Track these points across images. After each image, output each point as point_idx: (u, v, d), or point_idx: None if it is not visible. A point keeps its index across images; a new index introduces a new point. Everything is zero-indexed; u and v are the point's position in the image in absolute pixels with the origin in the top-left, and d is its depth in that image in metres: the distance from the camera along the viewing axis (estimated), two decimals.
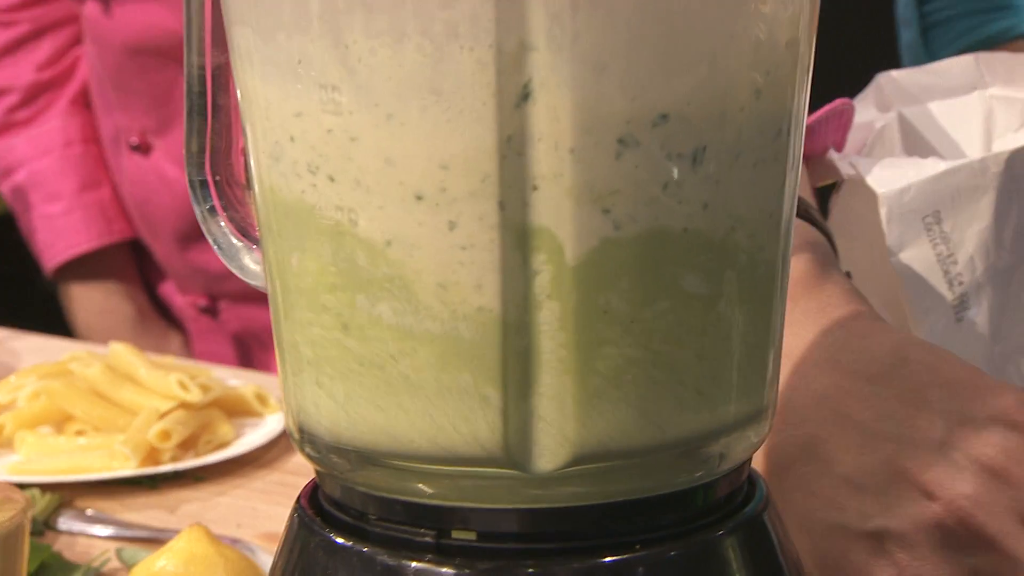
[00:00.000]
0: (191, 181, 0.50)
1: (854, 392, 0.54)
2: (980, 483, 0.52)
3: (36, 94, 1.37)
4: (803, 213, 0.61)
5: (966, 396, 0.53)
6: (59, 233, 1.36)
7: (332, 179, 0.42)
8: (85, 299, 1.40)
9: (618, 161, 0.41)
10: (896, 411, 0.54)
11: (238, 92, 0.45)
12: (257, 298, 1.33)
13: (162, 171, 1.32)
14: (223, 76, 0.49)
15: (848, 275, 0.62)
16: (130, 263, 1.42)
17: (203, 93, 0.49)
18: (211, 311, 1.37)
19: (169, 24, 1.24)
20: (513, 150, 0.41)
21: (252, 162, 0.45)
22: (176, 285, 1.40)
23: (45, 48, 1.37)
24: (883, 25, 1.15)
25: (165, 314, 1.45)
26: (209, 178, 0.50)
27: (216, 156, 0.50)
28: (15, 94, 1.37)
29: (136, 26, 1.27)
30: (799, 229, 0.60)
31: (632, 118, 0.41)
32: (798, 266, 0.58)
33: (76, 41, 1.38)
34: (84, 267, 1.39)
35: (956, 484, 0.52)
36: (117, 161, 1.36)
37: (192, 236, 1.32)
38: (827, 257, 0.59)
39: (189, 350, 1.41)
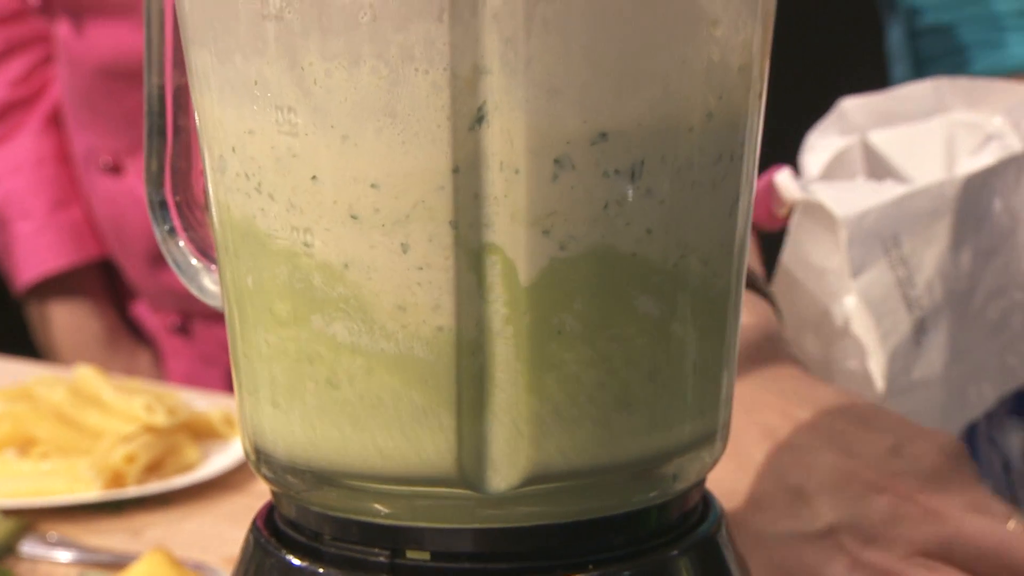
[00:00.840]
0: (151, 201, 0.51)
1: (800, 420, 0.57)
2: (925, 480, 0.55)
3: (7, 112, 1.37)
4: (748, 282, 0.64)
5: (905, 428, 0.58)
6: (30, 252, 1.36)
7: (286, 200, 0.43)
8: (55, 318, 1.40)
9: (565, 183, 0.42)
10: (842, 430, 0.56)
11: (196, 113, 0.46)
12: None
13: (134, 192, 1.32)
14: (183, 97, 0.50)
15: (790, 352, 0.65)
16: (100, 282, 1.42)
17: (163, 113, 0.50)
18: (184, 330, 1.37)
19: (140, 47, 1.24)
20: (466, 172, 0.41)
21: (209, 183, 0.46)
22: (149, 304, 1.39)
23: (16, 66, 1.37)
24: (874, 60, 1.16)
25: (136, 333, 1.45)
26: (169, 199, 0.51)
27: (176, 177, 0.51)
28: None
29: (107, 48, 1.27)
30: (746, 300, 0.62)
31: (584, 140, 0.42)
32: (745, 337, 0.61)
33: (48, 59, 1.38)
34: (54, 286, 1.39)
35: (904, 478, 0.55)
36: (89, 181, 1.35)
37: (163, 257, 1.32)
38: (771, 331, 0.62)
39: (160, 369, 1.41)
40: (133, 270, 1.36)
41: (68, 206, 1.37)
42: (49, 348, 1.42)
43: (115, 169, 1.32)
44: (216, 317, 1.34)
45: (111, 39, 1.27)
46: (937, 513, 0.55)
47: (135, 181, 1.32)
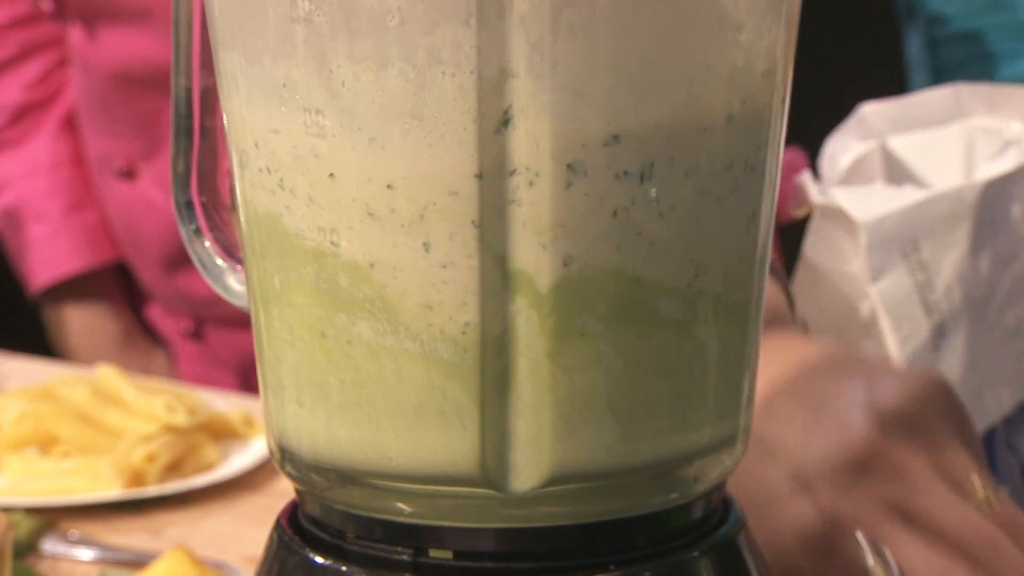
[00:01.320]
0: (177, 202, 0.51)
1: (773, 375, 0.58)
2: (888, 426, 0.56)
3: (23, 114, 1.38)
4: None
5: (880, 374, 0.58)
6: (46, 254, 1.36)
7: (313, 201, 0.43)
8: (71, 320, 1.40)
9: (580, 190, 0.42)
10: (813, 382, 0.57)
11: (224, 114, 0.46)
12: (245, 323, 1.33)
13: (148, 197, 1.32)
14: (210, 98, 0.50)
15: (805, 326, 0.65)
16: (116, 284, 1.42)
17: (190, 115, 0.50)
18: (197, 335, 1.37)
19: (152, 53, 1.25)
20: (492, 174, 0.42)
21: (237, 183, 0.46)
22: (163, 308, 1.40)
23: (32, 69, 1.38)
24: (892, 68, 1.16)
25: (151, 335, 1.45)
26: (195, 199, 0.51)
27: (202, 177, 0.51)
28: (2, 114, 1.38)
29: (120, 54, 1.27)
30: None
31: (607, 145, 0.42)
32: None
33: (63, 62, 1.39)
34: (70, 289, 1.39)
35: (873, 428, 0.56)
36: (103, 186, 1.36)
37: (178, 261, 1.32)
38: (776, 309, 0.63)
39: (175, 371, 1.42)
40: (147, 274, 1.37)
41: (83, 209, 1.37)
42: (65, 350, 1.43)
43: (129, 174, 1.32)
44: (229, 322, 1.34)
45: (124, 45, 1.27)
46: (903, 471, 0.55)
47: (149, 186, 1.32)
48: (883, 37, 1.12)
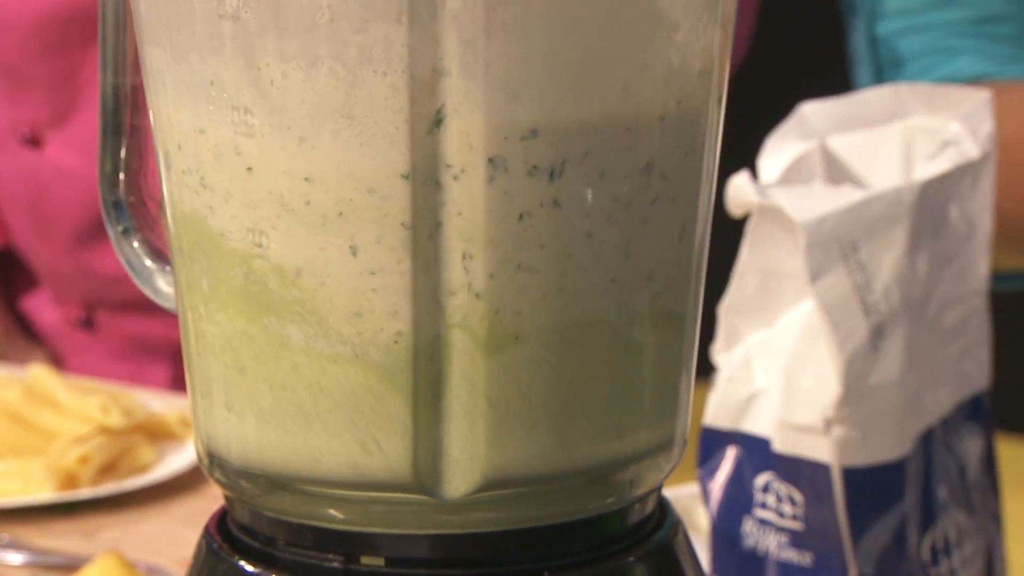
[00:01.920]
0: (104, 201, 0.50)
1: None
2: None
3: None
4: None
5: None
6: None
7: (239, 202, 0.42)
8: None
9: (551, 178, 0.42)
10: None
11: (150, 112, 0.45)
12: (138, 307, 1.30)
13: (59, 164, 1.29)
14: (138, 96, 0.49)
15: None
16: None
17: (117, 112, 0.49)
18: (88, 324, 1.34)
19: None
20: (423, 175, 0.41)
21: (164, 184, 0.45)
22: (54, 296, 1.36)
23: None
24: (837, 65, 1.16)
25: (27, 331, 1.42)
26: (123, 199, 0.50)
27: (131, 177, 0.50)
28: None
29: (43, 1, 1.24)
30: None
31: (548, 144, 0.41)
32: None
33: None
34: None
35: None
36: (5, 160, 1.32)
37: (89, 233, 1.29)
38: None
39: (59, 367, 1.39)
40: (48, 253, 1.32)
41: None
42: None
43: (34, 141, 1.29)
44: (122, 309, 1.32)
45: None
46: None
47: (58, 153, 1.29)
48: (829, 32, 1.13)
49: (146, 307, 1.34)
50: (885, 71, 1.11)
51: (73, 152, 1.28)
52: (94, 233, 1.29)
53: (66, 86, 1.27)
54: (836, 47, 1.18)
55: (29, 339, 1.41)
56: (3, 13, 1.27)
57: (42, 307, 1.39)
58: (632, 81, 0.42)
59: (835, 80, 1.14)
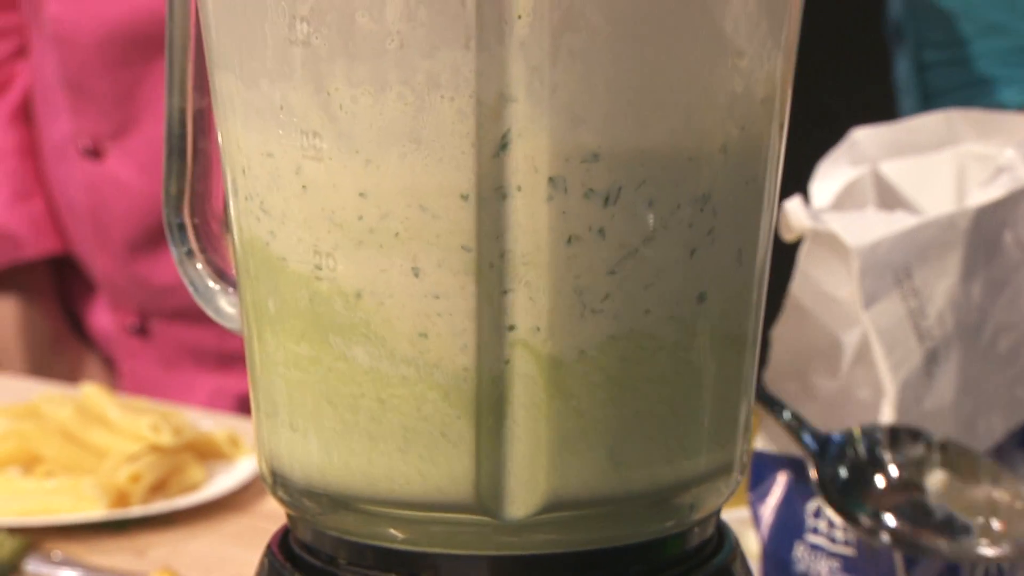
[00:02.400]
0: (169, 224, 0.51)
1: None
2: None
3: None
4: None
5: None
6: None
7: (306, 225, 0.43)
8: (8, 314, 1.38)
9: (605, 204, 0.42)
10: None
11: (219, 136, 0.46)
12: (190, 316, 1.32)
13: (116, 176, 1.31)
14: (204, 119, 0.50)
15: None
16: (49, 282, 1.40)
17: (183, 136, 0.50)
18: (142, 331, 1.36)
19: (141, 14, 1.23)
20: (487, 198, 0.41)
21: (231, 206, 0.46)
22: (109, 302, 1.37)
23: None
24: (882, 92, 1.16)
25: (82, 338, 1.43)
26: (187, 221, 0.51)
27: (195, 199, 0.51)
28: None
29: (109, 15, 1.26)
30: None
31: (607, 168, 0.42)
32: None
33: (16, 54, 1.37)
34: (5, 281, 1.37)
35: None
36: (64, 169, 1.34)
37: (143, 244, 1.31)
38: None
39: (112, 375, 1.40)
40: (105, 262, 1.34)
41: (29, 199, 1.36)
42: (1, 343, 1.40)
43: (95, 153, 1.31)
44: (176, 317, 1.33)
45: (114, 5, 1.26)
46: None
47: (117, 165, 1.31)
48: (874, 60, 1.13)
49: (198, 317, 1.35)
50: (932, 99, 1.11)
51: (132, 165, 1.30)
52: (149, 244, 1.30)
53: (127, 101, 1.28)
54: (882, 74, 1.18)
55: (81, 344, 1.42)
56: (69, 29, 1.29)
57: (98, 313, 1.40)
58: (695, 107, 0.42)
59: (881, 107, 1.14)
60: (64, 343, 1.40)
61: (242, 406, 1.31)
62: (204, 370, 1.34)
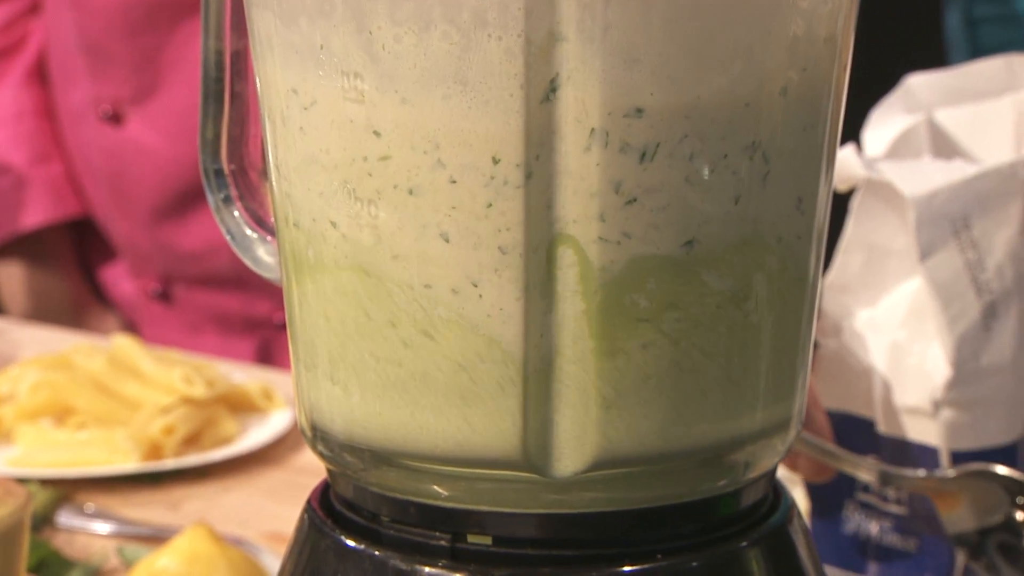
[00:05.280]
0: (205, 169, 0.49)
1: None
2: None
3: None
4: None
5: None
6: (8, 208, 1.33)
7: (348, 171, 0.41)
8: (24, 278, 1.37)
9: (647, 160, 0.40)
10: None
11: (257, 79, 0.45)
12: (214, 282, 1.31)
13: (139, 141, 1.29)
14: (241, 62, 0.48)
15: None
16: (69, 245, 1.39)
17: (220, 79, 0.48)
18: (165, 296, 1.35)
19: None
20: (538, 142, 0.40)
21: (270, 152, 0.45)
22: (131, 268, 1.37)
23: None
24: (933, 47, 1.13)
25: (102, 299, 1.42)
26: (225, 166, 0.49)
27: (232, 144, 0.49)
28: None
29: None
30: None
31: (662, 114, 0.40)
32: None
33: (28, 11, 1.36)
34: (27, 244, 1.36)
35: None
36: (83, 134, 1.33)
37: (168, 210, 1.29)
38: None
39: (134, 338, 1.39)
40: (126, 227, 1.33)
41: (48, 162, 1.34)
42: (13, 307, 1.39)
43: (115, 118, 1.30)
44: (199, 283, 1.32)
45: None
46: None
47: (139, 130, 1.29)
48: (925, 14, 1.10)
49: (223, 282, 1.35)
50: (982, 56, 1.09)
51: (154, 130, 1.28)
52: (173, 210, 1.29)
53: (149, 66, 1.27)
54: (933, 29, 1.15)
55: (102, 306, 1.41)
56: None
57: (119, 278, 1.39)
58: (755, 47, 0.41)
59: (933, 62, 1.11)
60: (85, 306, 1.40)
61: None
62: (228, 336, 1.33)
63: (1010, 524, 0.58)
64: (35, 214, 1.34)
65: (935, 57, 1.13)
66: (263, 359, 1.33)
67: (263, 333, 1.33)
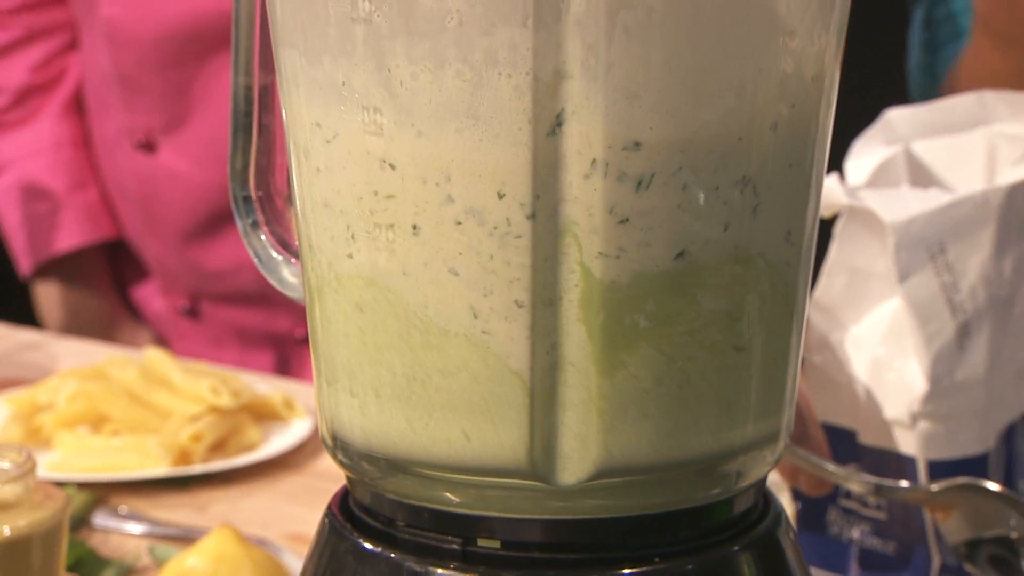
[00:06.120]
0: (235, 196, 0.49)
1: None
2: None
3: (27, 96, 1.35)
4: None
5: None
6: (46, 231, 1.34)
7: (367, 198, 0.41)
8: (62, 297, 1.37)
9: (642, 189, 0.40)
10: None
11: (283, 113, 0.44)
12: (238, 299, 1.31)
13: (170, 168, 1.29)
14: (268, 96, 0.48)
15: None
16: (104, 266, 1.40)
17: (249, 113, 0.48)
18: (193, 313, 1.35)
19: (197, 13, 1.22)
20: (545, 173, 0.40)
21: (294, 179, 0.44)
22: (161, 286, 1.37)
23: (37, 52, 1.35)
24: (897, 49, 1.12)
25: (134, 315, 1.42)
26: (253, 193, 0.49)
27: (260, 173, 0.49)
28: (6, 95, 1.34)
29: (166, 14, 1.24)
30: None
31: (659, 147, 0.40)
32: None
33: (68, 47, 1.36)
34: (65, 266, 1.36)
35: None
36: (117, 161, 1.33)
37: (196, 232, 1.29)
38: None
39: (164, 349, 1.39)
40: (157, 248, 1.33)
41: (84, 188, 1.35)
42: (51, 323, 1.39)
43: (148, 147, 1.30)
44: (224, 300, 1.32)
45: (171, 4, 1.24)
46: None
47: (170, 158, 1.29)
48: (891, 17, 1.09)
49: (247, 300, 1.35)
50: (935, 53, 1.07)
51: (184, 158, 1.28)
52: (201, 231, 1.29)
53: (179, 98, 1.27)
54: (899, 29, 1.14)
55: (135, 321, 1.41)
56: (124, 28, 1.27)
57: (150, 295, 1.39)
58: (748, 85, 0.41)
59: (893, 65, 1.11)
60: (119, 321, 1.40)
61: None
62: (250, 349, 1.33)
63: (1006, 541, 0.57)
64: (72, 237, 1.34)
65: (902, 90, 1.12)
66: (282, 371, 1.33)
67: (283, 347, 1.33)
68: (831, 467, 0.59)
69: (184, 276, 1.33)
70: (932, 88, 1.01)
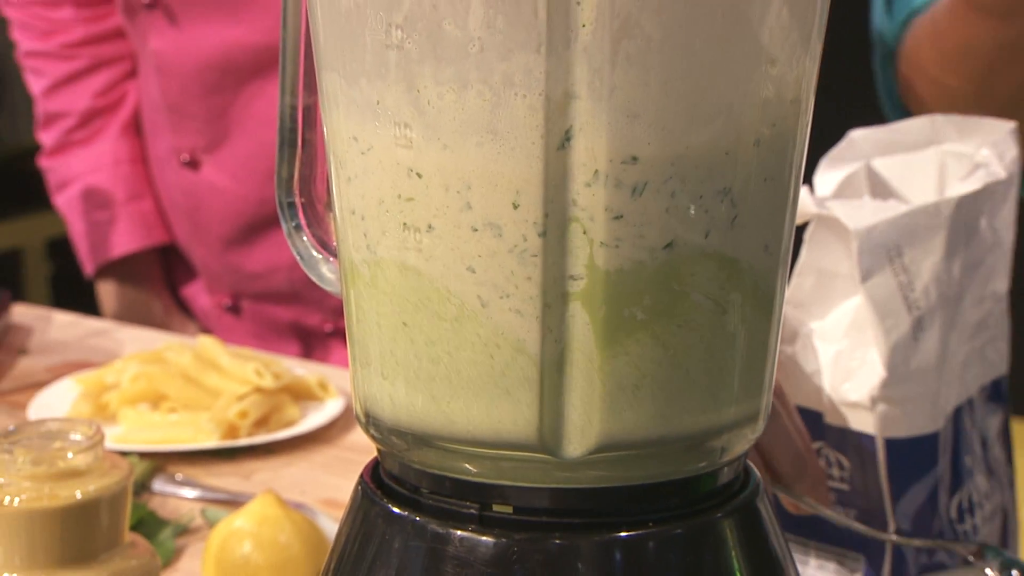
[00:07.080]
0: (280, 203, 0.49)
1: None
2: None
3: (91, 119, 1.35)
4: None
5: None
6: (105, 237, 1.34)
7: (396, 203, 0.41)
8: (121, 295, 1.38)
9: (636, 194, 0.40)
10: None
11: (324, 128, 0.44)
12: (274, 298, 1.31)
13: (212, 183, 1.29)
14: (311, 114, 0.48)
15: None
16: (159, 267, 1.40)
17: (294, 129, 0.48)
18: (235, 309, 1.35)
19: (234, 45, 1.21)
20: (555, 181, 0.39)
21: (334, 188, 0.44)
22: (207, 286, 1.37)
23: (100, 79, 1.35)
24: (870, 105, 1.11)
25: (185, 310, 1.43)
26: (296, 200, 0.49)
27: (303, 182, 0.49)
28: (73, 118, 1.35)
29: (206, 46, 1.24)
30: None
31: (654, 161, 0.40)
32: None
33: (127, 75, 1.36)
34: (122, 267, 1.37)
35: None
36: (168, 176, 1.33)
37: (236, 239, 1.29)
38: None
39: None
40: (202, 253, 1.33)
41: (140, 199, 1.35)
42: (111, 318, 1.40)
43: (193, 164, 1.30)
44: (263, 298, 1.32)
45: (212, 36, 1.24)
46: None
47: (211, 174, 1.29)
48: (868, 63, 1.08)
49: (281, 298, 1.35)
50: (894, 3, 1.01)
51: (224, 173, 1.28)
52: (240, 238, 1.29)
53: (219, 121, 1.27)
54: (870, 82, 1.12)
55: (186, 316, 1.42)
56: (170, 60, 1.28)
57: (198, 293, 1.40)
58: (735, 106, 0.40)
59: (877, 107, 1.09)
60: (171, 316, 1.40)
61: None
62: (286, 342, 1.33)
63: None
64: (128, 242, 1.35)
65: (874, 110, 1.11)
66: (306, 359, 1.33)
67: (309, 339, 1.33)
68: (836, 517, 0.58)
69: (226, 277, 1.33)
70: (894, 40, 0.96)
